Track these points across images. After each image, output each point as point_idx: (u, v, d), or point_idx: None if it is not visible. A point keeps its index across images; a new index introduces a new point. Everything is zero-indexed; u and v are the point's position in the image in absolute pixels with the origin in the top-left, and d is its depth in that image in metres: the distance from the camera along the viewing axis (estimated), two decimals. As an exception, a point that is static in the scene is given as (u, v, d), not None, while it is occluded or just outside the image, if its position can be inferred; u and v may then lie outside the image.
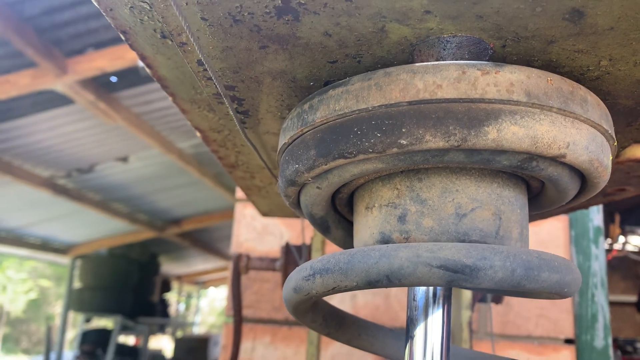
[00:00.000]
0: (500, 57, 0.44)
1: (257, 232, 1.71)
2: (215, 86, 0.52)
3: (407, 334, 0.48)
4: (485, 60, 0.43)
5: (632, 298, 5.82)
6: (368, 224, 0.47)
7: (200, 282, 15.19)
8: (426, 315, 0.47)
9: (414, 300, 0.48)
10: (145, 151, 5.06)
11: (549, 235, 1.62)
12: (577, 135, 0.40)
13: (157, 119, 4.42)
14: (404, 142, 0.38)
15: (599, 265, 1.56)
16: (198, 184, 6.10)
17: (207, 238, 9.30)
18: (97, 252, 8.13)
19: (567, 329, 1.55)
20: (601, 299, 1.54)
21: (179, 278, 13.21)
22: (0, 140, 4.41)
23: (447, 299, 0.48)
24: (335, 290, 0.41)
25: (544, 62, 0.44)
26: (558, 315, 1.56)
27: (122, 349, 8.12)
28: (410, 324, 0.48)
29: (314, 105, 0.43)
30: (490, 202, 0.44)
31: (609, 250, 4.96)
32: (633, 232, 4.63)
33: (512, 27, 0.40)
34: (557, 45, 0.41)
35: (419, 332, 0.47)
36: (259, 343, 1.64)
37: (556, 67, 0.44)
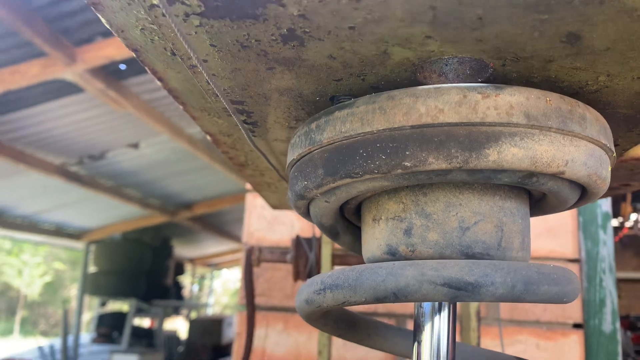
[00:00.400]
0: (500, 74, 0.45)
1: (268, 221, 1.73)
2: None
3: (414, 338, 0.50)
4: (487, 75, 0.44)
5: (644, 275, 5.83)
6: (375, 235, 0.49)
7: (213, 264, 15.34)
8: (432, 321, 0.49)
9: (420, 307, 0.50)
10: (156, 137, 5.10)
11: (558, 222, 1.63)
12: (576, 152, 0.41)
13: (167, 105, 4.44)
14: (408, 164, 0.40)
15: (607, 251, 1.57)
16: (208, 169, 6.14)
17: (218, 221, 9.38)
18: (111, 236, 8.24)
19: (576, 314, 1.57)
20: (609, 284, 1.55)
21: (192, 261, 13.35)
22: (12, 129, 4.46)
23: (453, 304, 0.50)
24: (345, 304, 0.43)
25: (544, 78, 0.45)
26: (566, 301, 1.57)
27: (137, 331, 8.28)
28: (417, 329, 0.50)
29: (320, 126, 0.45)
30: (493, 214, 0.45)
31: (620, 228, 4.96)
32: (644, 210, 4.62)
33: (511, 49, 0.41)
34: (556, 63, 0.42)
35: (425, 336, 0.49)
36: (272, 330, 1.67)
37: (555, 82, 0.45)
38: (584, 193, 0.49)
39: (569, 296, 0.42)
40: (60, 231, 7.81)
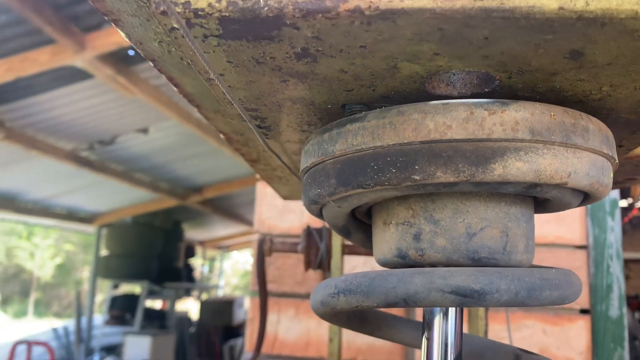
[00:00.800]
0: (507, 85, 0.46)
1: (278, 210, 1.76)
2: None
3: (422, 334, 0.53)
4: (493, 86, 0.46)
5: (653, 256, 5.82)
6: (386, 239, 0.51)
7: (223, 246, 15.46)
8: (440, 319, 0.52)
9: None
10: (165, 122, 5.12)
11: (565, 209, 1.64)
12: (578, 164, 0.43)
13: (175, 90, 4.45)
14: (417, 177, 0.41)
15: (614, 237, 1.58)
16: (217, 153, 6.17)
17: (228, 204, 9.44)
18: (122, 220, 8.31)
19: (583, 300, 1.60)
20: (616, 270, 1.57)
21: (202, 243, 13.46)
22: (23, 116, 4.50)
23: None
24: (358, 308, 0.45)
25: (548, 88, 0.46)
26: (573, 287, 1.59)
27: (149, 313, 8.39)
28: (426, 327, 0.52)
29: (333, 137, 0.47)
30: (498, 220, 0.47)
31: (630, 209, 4.96)
32: (654, 191, 4.61)
33: (516, 63, 0.42)
34: (560, 76, 0.44)
35: (434, 334, 0.52)
36: (284, 316, 1.71)
37: (560, 92, 0.47)
38: (586, 196, 0.51)
39: (570, 299, 0.45)
40: (72, 215, 7.89)
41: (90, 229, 8.60)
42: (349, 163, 0.45)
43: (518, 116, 0.41)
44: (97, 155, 5.76)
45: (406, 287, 0.41)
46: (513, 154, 0.41)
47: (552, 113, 0.42)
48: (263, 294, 1.22)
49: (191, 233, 11.04)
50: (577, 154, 0.43)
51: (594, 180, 0.45)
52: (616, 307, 1.55)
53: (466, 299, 0.40)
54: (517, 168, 0.41)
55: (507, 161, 0.41)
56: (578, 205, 0.56)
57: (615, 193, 1.63)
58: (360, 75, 0.46)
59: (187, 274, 9.89)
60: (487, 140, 0.41)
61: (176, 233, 9.13)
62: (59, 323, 9.74)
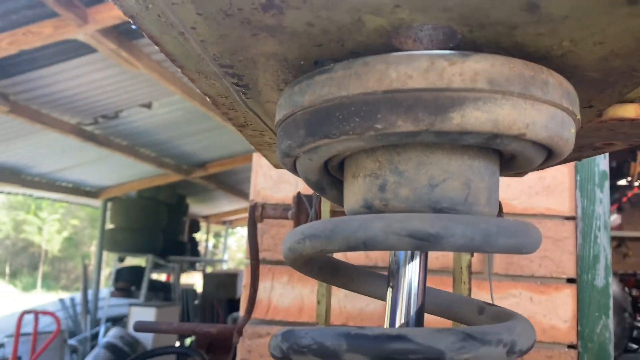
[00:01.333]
0: (469, 40, 0.48)
1: (273, 180, 1.78)
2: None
3: (388, 283, 0.55)
4: (457, 41, 0.47)
5: (653, 234, 5.84)
6: (354, 190, 0.53)
7: (227, 221, 15.56)
8: (405, 268, 0.54)
9: (394, 255, 0.54)
10: (168, 97, 5.13)
11: (555, 180, 1.66)
12: (537, 116, 0.44)
13: (178, 64, 4.45)
14: (379, 127, 0.43)
15: (602, 209, 1.60)
16: (221, 129, 6.19)
17: (231, 180, 9.48)
18: (127, 194, 8.38)
19: (570, 269, 1.62)
20: (604, 240, 1.59)
21: (207, 218, 13.55)
22: (27, 90, 4.51)
23: (424, 254, 0.54)
24: (322, 252, 0.47)
25: (511, 44, 0.47)
26: (561, 257, 1.62)
27: (154, 285, 8.51)
28: (391, 275, 0.55)
29: (303, 89, 0.48)
30: (461, 172, 0.49)
31: (629, 188, 4.96)
32: (655, 169, 4.61)
33: (476, 16, 0.44)
34: (520, 29, 0.45)
35: (398, 282, 0.54)
36: (278, 282, 1.74)
37: (523, 48, 0.48)
38: (551, 153, 0.52)
39: (527, 248, 0.46)
40: (78, 189, 7.96)
41: (96, 202, 8.68)
42: (316, 113, 0.47)
43: (478, 67, 0.42)
44: (101, 130, 5.78)
45: (366, 231, 0.43)
46: (471, 104, 0.42)
47: (511, 65, 0.44)
48: (255, 258, 1.25)
49: (195, 208, 11.12)
50: (536, 106, 0.44)
51: (553, 133, 0.46)
52: (602, 277, 1.57)
53: (422, 242, 0.42)
54: (475, 117, 0.42)
55: (466, 110, 0.42)
56: (544, 165, 0.57)
57: (605, 165, 1.64)
58: (327, 29, 0.47)
59: (191, 248, 10.00)
60: (447, 89, 0.42)
61: (181, 207, 9.20)
62: (66, 296, 9.88)
